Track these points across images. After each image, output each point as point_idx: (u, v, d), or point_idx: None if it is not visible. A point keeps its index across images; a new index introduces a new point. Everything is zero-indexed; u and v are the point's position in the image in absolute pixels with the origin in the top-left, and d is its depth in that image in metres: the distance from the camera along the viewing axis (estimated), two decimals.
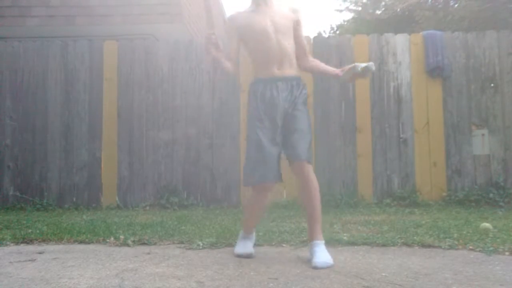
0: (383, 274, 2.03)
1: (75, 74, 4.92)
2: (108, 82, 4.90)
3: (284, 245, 2.69)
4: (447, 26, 7.75)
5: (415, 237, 2.75)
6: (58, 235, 2.99)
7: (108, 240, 2.83)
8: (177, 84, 4.88)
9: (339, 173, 4.72)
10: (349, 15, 14.52)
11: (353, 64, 2.34)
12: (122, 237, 2.85)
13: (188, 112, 4.84)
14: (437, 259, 2.31)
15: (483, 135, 4.68)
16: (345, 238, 2.76)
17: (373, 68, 2.33)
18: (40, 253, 2.59)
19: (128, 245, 2.74)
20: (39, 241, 2.92)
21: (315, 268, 2.14)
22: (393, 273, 2.04)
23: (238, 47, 2.52)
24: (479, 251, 2.45)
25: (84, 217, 4.02)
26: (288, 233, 2.98)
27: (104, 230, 3.15)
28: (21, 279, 2.02)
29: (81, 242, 2.87)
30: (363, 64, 2.31)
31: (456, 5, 9.16)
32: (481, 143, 4.68)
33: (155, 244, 2.77)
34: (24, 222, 3.66)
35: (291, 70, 2.44)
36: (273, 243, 2.72)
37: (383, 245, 2.62)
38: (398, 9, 9.87)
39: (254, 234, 2.61)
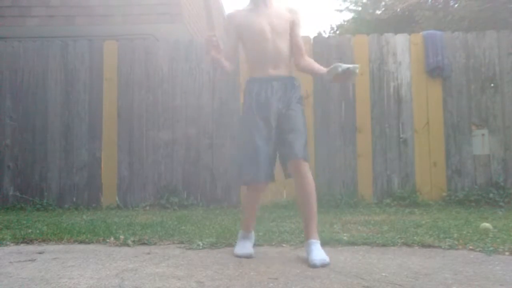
0: (383, 274, 2.02)
1: (75, 74, 4.92)
2: (108, 82, 4.90)
3: (284, 245, 2.69)
4: (447, 26, 7.76)
5: (415, 237, 2.75)
6: (58, 235, 2.99)
7: (108, 240, 2.83)
8: (177, 84, 4.88)
9: (339, 173, 4.72)
10: (349, 15, 14.53)
11: (335, 64, 2.29)
12: (122, 237, 2.85)
13: (188, 112, 4.85)
14: (437, 259, 2.31)
15: (483, 135, 4.68)
16: (345, 238, 2.76)
17: (357, 70, 2.26)
18: (40, 253, 2.59)
19: (128, 245, 2.73)
20: (39, 241, 2.92)
21: (314, 265, 2.16)
22: (393, 273, 2.04)
23: (237, 45, 2.56)
24: (479, 251, 2.45)
25: (84, 217, 4.02)
26: (288, 233, 2.98)
27: (104, 230, 3.15)
28: (21, 279, 2.02)
29: (81, 242, 2.87)
30: (345, 66, 2.26)
31: (456, 5, 9.16)
32: (481, 143, 4.68)
33: (155, 244, 2.77)
34: (24, 222, 3.65)
35: (286, 71, 2.48)
36: (273, 243, 2.71)
37: (383, 245, 2.61)
38: (398, 9, 9.88)
39: (253, 233, 2.61)
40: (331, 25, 23.63)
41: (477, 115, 4.72)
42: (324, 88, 4.80)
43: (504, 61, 4.76)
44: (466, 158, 4.67)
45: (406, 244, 2.63)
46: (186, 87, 4.87)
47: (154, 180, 4.79)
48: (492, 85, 4.74)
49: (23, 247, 2.78)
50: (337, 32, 14.10)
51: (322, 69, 2.48)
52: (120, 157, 4.82)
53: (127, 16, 6.14)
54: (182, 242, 2.78)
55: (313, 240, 2.31)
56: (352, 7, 12.50)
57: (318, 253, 2.24)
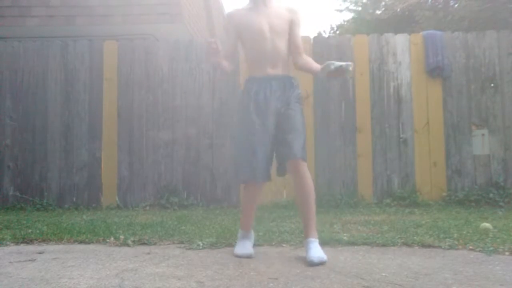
0: (383, 274, 2.03)
1: (75, 74, 4.92)
2: (108, 82, 4.90)
3: (284, 245, 2.69)
4: (447, 26, 7.75)
5: (415, 237, 2.75)
6: (58, 235, 2.99)
7: (108, 240, 2.83)
8: (177, 84, 4.88)
9: (339, 173, 4.72)
10: (349, 15, 14.53)
11: (328, 62, 2.30)
12: (122, 237, 2.85)
13: (188, 112, 4.85)
14: (437, 259, 2.31)
15: (483, 135, 4.68)
16: (345, 238, 2.76)
17: (350, 68, 2.27)
18: (40, 253, 2.59)
19: (128, 245, 2.73)
20: (39, 241, 2.92)
21: (312, 262, 2.20)
22: (393, 273, 2.04)
23: (236, 44, 2.58)
24: (479, 251, 2.45)
25: (84, 217, 4.01)
26: (288, 233, 2.98)
27: (104, 230, 3.15)
28: (21, 279, 2.02)
29: (81, 242, 2.87)
30: (338, 63, 2.27)
31: (456, 5, 9.16)
32: (481, 143, 4.68)
33: (155, 244, 2.77)
34: (24, 222, 3.65)
35: (284, 70, 2.50)
36: (273, 243, 2.71)
37: (383, 245, 2.62)
38: (398, 9, 9.87)
39: (252, 233, 2.62)
40: (331, 25, 23.64)
41: (477, 115, 4.72)
42: (324, 88, 4.80)
43: (504, 61, 4.76)
44: (466, 158, 4.67)
45: (406, 244, 2.63)
46: (186, 87, 4.87)
47: (154, 180, 4.79)
48: (492, 85, 4.74)
49: (23, 247, 2.78)
50: (337, 32, 14.10)
51: (319, 67, 2.48)
52: (120, 157, 4.82)
53: (127, 16, 6.14)
54: (182, 242, 2.78)
55: (311, 239, 2.34)
56: (352, 7, 12.51)
57: (316, 251, 2.27)
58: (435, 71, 4.73)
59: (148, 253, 2.52)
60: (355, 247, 2.61)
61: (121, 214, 4.23)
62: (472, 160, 4.67)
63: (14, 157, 4.84)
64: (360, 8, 12.13)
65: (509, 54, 4.75)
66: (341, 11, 14.91)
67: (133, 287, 1.87)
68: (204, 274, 2.06)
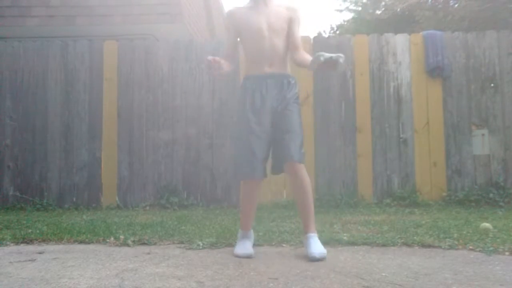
0: (383, 274, 2.03)
1: (75, 74, 4.92)
2: (108, 82, 4.90)
3: (284, 245, 2.69)
4: (447, 26, 7.75)
5: (415, 237, 2.75)
6: (58, 235, 2.99)
7: (108, 240, 2.83)
8: (177, 84, 4.88)
9: (339, 173, 4.72)
10: (349, 15, 14.54)
11: (318, 53, 2.27)
12: (122, 237, 2.85)
13: (188, 112, 4.85)
14: (437, 259, 2.31)
15: (483, 135, 4.68)
16: (345, 238, 2.76)
17: (340, 60, 2.23)
18: (40, 253, 2.59)
19: (128, 245, 2.73)
20: (39, 241, 2.91)
21: (313, 258, 2.25)
22: (393, 273, 2.04)
23: (236, 42, 2.60)
24: (479, 251, 2.45)
25: (84, 217, 4.01)
26: (288, 233, 2.98)
27: (104, 230, 3.15)
28: (21, 279, 2.02)
29: (81, 242, 2.87)
30: (327, 55, 2.23)
31: (456, 5, 9.15)
32: (481, 143, 4.68)
33: (155, 244, 2.77)
34: (24, 222, 3.65)
35: (282, 68, 2.51)
36: (273, 243, 2.71)
37: (383, 245, 2.61)
38: (398, 9, 9.87)
39: (252, 233, 2.62)
40: (331, 25, 23.65)
41: (477, 115, 4.72)
42: (324, 88, 4.80)
43: (504, 61, 4.76)
44: (466, 158, 4.67)
45: (406, 244, 2.63)
46: (186, 87, 4.87)
47: (154, 180, 4.79)
48: (492, 85, 4.73)
49: (23, 247, 2.78)
50: (337, 32, 14.10)
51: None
52: (120, 157, 4.82)
53: (127, 16, 6.14)
54: (182, 242, 2.78)
55: (311, 234, 2.40)
56: (352, 7, 12.51)
57: (317, 246, 2.32)
58: (435, 71, 4.73)
59: (148, 253, 2.52)
60: (355, 247, 2.61)
61: (121, 214, 4.23)
62: (472, 160, 4.67)
63: (14, 157, 4.84)
64: (360, 8, 12.14)
65: (509, 54, 4.75)
66: (341, 11, 14.92)
67: (133, 287, 1.86)
68: (204, 274, 2.06)
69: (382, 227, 3.21)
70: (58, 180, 4.81)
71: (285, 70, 2.53)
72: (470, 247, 2.52)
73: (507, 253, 2.40)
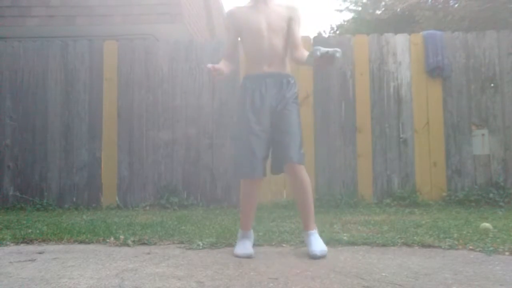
0: (383, 274, 2.03)
1: (75, 74, 4.92)
2: (108, 82, 4.90)
3: (284, 245, 2.69)
4: (447, 26, 7.75)
5: (415, 237, 2.75)
6: (58, 235, 2.99)
7: (108, 240, 2.83)
8: (177, 84, 4.88)
9: (339, 173, 4.72)
10: (349, 15, 14.55)
11: (314, 48, 2.26)
12: (122, 237, 2.85)
13: (188, 112, 4.85)
14: (437, 259, 2.31)
15: (483, 135, 4.68)
16: (345, 238, 2.76)
17: (337, 54, 2.20)
18: (40, 253, 2.59)
19: (128, 245, 2.73)
20: (39, 241, 2.92)
21: (315, 256, 2.29)
22: (393, 273, 2.04)
23: (237, 42, 2.62)
24: (479, 251, 2.45)
25: (84, 217, 4.01)
26: (288, 233, 2.98)
27: (104, 230, 3.15)
28: (21, 279, 2.02)
29: (81, 242, 2.87)
30: (324, 49, 2.22)
31: (456, 5, 9.15)
32: (481, 143, 4.68)
33: (155, 244, 2.77)
34: (24, 222, 3.65)
35: (281, 68, 2.52)
36: (273, 243, 2.71)
37: (383, 245, 2.62)
38: (398, 9, 9.87)
39: (252, 233, 2.62)
40: (331, 25, 23.67)
41: (477, 115, 4.72)
42: (324, 88, 4.80)
43: (504, 61, 4.76)
44: (466, 158, 4.67)
45: (406, 244, 2.63)
46: (186, 87, 4.87)
47: (154, 180, 4.79)
48: (492, 85, 4.73)
49: (23, 247, 2.78)
50: (337, 32, 14.11)
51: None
52: (120, 157, 4.82)
53: (127, 16, 6.14)
54: (182, 242, 2.78)
55: (311, 231, 2.43)
56: (352, 7, 12.52)
57: (317, 244, 2.36)
58: (435, 71, 4.73)
59: (148, 253, 2.52)
60: (355, 247, 2.61)
61: (121, 214, 4.23)
62: (472, 160, 4.67)
63: (14, 157, 4.84)
64: (360, 8, 12.15)
65: (509, 54, 4.75)
66: (341, 11, 14.93)
67: (133, 287, 1.87)
68: (204, 274, 2.06)
69: (382, 227, 3.21)
70: (58, 180, 4.81)
71: (284, 69, 2.54)
72: (470, 247, 2.52)
73: (507, 253, 2.40)
